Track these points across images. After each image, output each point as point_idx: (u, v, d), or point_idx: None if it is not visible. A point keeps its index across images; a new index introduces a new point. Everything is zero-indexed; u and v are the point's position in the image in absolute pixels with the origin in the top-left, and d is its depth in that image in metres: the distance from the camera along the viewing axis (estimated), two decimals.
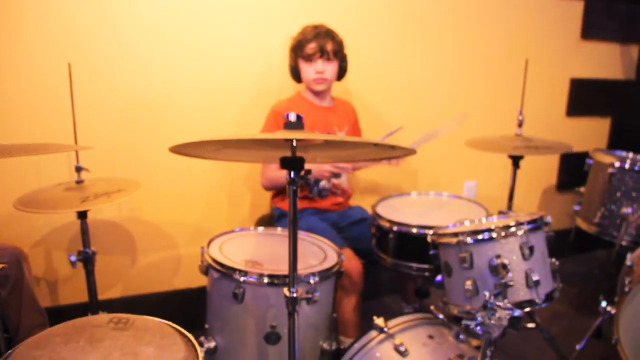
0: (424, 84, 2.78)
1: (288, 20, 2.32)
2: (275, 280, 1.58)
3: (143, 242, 2.38)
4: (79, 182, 1.80)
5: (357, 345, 1.60)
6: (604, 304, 2.26)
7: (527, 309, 1.54)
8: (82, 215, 1.80)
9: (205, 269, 1.70)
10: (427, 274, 1.92)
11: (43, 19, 2.00)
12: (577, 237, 3.05)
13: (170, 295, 2.47)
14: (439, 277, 1.72)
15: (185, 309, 2.33)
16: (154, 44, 2.19)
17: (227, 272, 1.61)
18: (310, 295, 1.41)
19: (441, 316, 1.72)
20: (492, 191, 3.08)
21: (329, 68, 2.18)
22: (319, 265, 1.68)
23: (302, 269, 1.63)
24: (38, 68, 2.03)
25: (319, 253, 1.80)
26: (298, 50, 2.18)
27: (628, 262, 1.95)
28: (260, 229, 2.00)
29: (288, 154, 1.27)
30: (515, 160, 2.17)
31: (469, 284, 1.54)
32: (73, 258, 1.82)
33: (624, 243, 2.43)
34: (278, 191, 2.35)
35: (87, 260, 1.85)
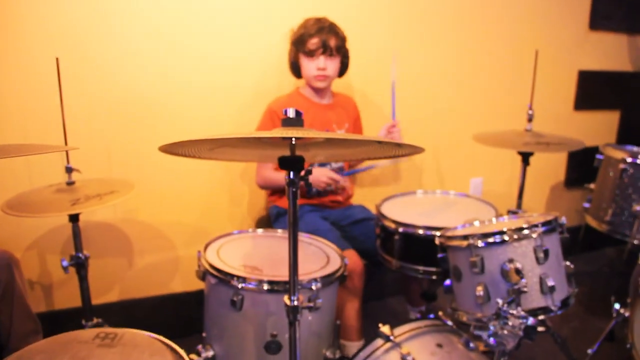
0: (429, 77, 2.70)
1: (287, 17, 2.23)
2: (276, 287, 1.50)
3: (139, 244, 2.31)
4: (70, 183, 1.73)
5: (362, 355, 1.52)
6: (617, 306, 2.21)
7: (542, 317, 1.45)
8: (74, 218, 1.73)
9: (202, 275, 1.63)
10: (434, 277, 1.84)
11: (29, 9, 1.91)
12: (586, 234, 2.98)
13: (167, 299, 2.40)
14: (447, 282, 1.64)
15: (184, 313, 2.28)
16: (149, 40, 2.10)
17: (224, 278, 1.53)
18: (312, 304, 1.33)
19: (450, 323, 1.64)
20: (499, 188, 3.01)
21: (331, 65, 2.10)
22: (322, 270, 1.60)
23: (303, 274, 1.55)
24: (24, 63, 1.95)
25: (321, 256, 1.72)
26: (299, 45, 2.09)
27: None
28: (260, 230, 1.92)
29: (286, 152, 1.19)
30: (525, 157, 2.09)
31: (479, 289, 1.46)
32: (65, 263, 1.75)
33: (636, 242, 2.35)
34: (275, 190, 2.27)
35: (79, 265, 1.78)
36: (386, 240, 1.95)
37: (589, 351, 2.16)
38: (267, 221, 2.32)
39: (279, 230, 1.92)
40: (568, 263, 1.59)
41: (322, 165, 2.18)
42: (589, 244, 3.29)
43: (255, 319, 1.53)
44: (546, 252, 1.46)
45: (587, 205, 2.72)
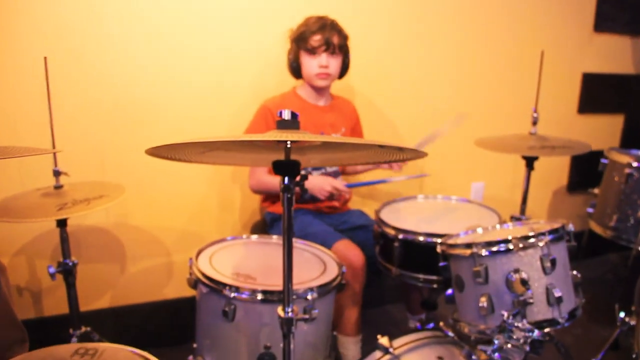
0: (429, 78, 2.64)
1: (286, 16, 2.17)
2: (270, 297, 1.43)
3: (132, 249, 2.25)
4: (58, 187, 1.67)
5: None
6: (622, 314, 2.15)
7: (548, 330, 1.39)
8: (62, 223, 1.67)
9: (194, 283, 1.56)
10: (435, 286, 1.78)
11: (16, 7, 1.85)
12: (588, 239, 2.92)
13: (161, 305, 2.34)
14: (449, 291, 1.58)
15: (178, 319, 2.22)
16: (144, 39, 2.05)
17: (216, 287, 1.47)
18: (307, 316, 1.26)
19: (451, 334, 1.57)
20: (501, 192, 2.96)
21: (334, 63, 2.04)
22: (318, 279, 1.54)
23: (298, 283, 1.49)
24: (12, 62, 1.89)
25: (317, 264, 1.66)
26: (300, 42, 2.03)
27: None
28: (254, 237, 1.85)
29: (281, 156, 1.13)
30: (530, 162, 2.03)
31: (483, 300, 1.39)
32: (52, 270, 1.69)
33: None
34: (267, 195, 2.21)
35: (67, 272, 1.72)
36: (385, 247, 1.88)
37: None
38: (264, 226, 2.26)
39: (274, 237, 1.86)
40: (575, 272, 1.52)
41: (316, 169, 2.12)
42: (592, 250, 3.23)
43: (248, 330, 1.47)
44: (553, 262, 1.39)
45: (590, 210, 2.67)
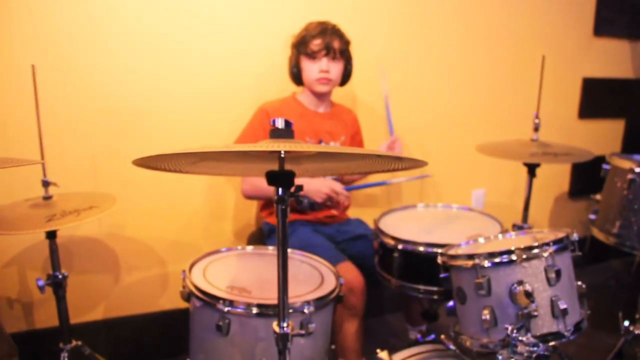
0: (428, 84, 2.61)
1: (287, 20, 2.14)
2: (265, 311, 1.39)
3: (126, 259, 2.20)
4: (47, 198, 1.62)
5: None
6: (626, 323, 2.11)
7: (553, 343, 1.34)
8: (51, 235, 1.63)
9: (187, 296, 1.52)
10: (436, 297, 1.73)
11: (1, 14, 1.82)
12: (591, 246, 2.89)
13: (156, 316, 2.29)
14: (450, 303, 1.53)
15: (173, 331, 2.17)
16: (137, 42, 2.00)
17: (210, 301, 1.42)
18: (303, 331, 1.22)
19: (452, 347, 1.53)
20: (502, 199, 2.92)
21: (335, 68, 2.00)
22: (315, 292, 1.49)
23: (295, 296, 1.44)
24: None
25: (314, 276, 1.61)
26: (301, 47, 1.99)
27: None
28: (249, 248, 1.81)
29: (275, 166, 1.09)
30: (532, 169, 1.98)
31: (486, 313, 1.35)
32: (41, 283, 1.65)
33: None
34: (266, 204, 2.16)
35: (57, 284, 1.67)
36: (385, 258, 1.84)
37: None
38: (261, 236, 2.21)
39: (270, 248, 1.81)
40: (580, 283, 1.48)
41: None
42: (594, 256, 3.18)
43: (243, 345, 1.42)
44: (558, 273, 1.35)
45: (593, 217, 2.64)
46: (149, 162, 1.01)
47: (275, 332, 1.16)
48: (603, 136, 3.26)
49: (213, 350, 1.46)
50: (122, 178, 2.07)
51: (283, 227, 1.11)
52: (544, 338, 1.34)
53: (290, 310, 1.37)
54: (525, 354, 1.23)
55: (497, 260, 1.36)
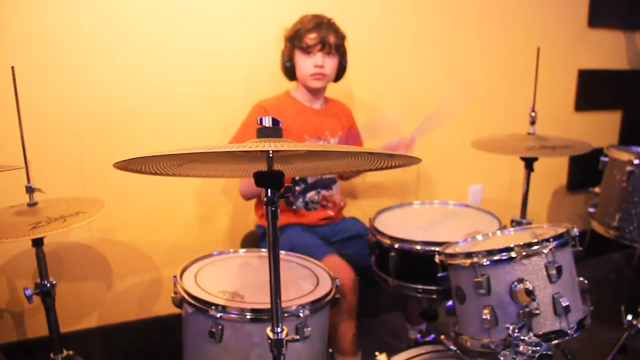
0: (421, 78, 2.57)
1: (280, 14, 2.09)
2: (259, 316, 1.35)
3: (118, 265, 2.16)
4: (32, 204, 1.57)
5: None
6: (629, 317, 2.09)
7: (556, 342, 1.30)
8: (37, 242, 1.58)
9: (179, 302, 1.48)
10: (434, 296, 1.69)
11: None
12: (590, 239, 2.86)
13: (151, 322, 2.25)
14: (449, 303, 1.49)
15: (169, 337, 2.11)
16: (125, 41, 1.95)
17: (202, 307, 1.38)
18: (298, 336, 1.18)
19: (453, 347, 1.49)
20: (500, 194, 2.89)
21: (330, 63, 1.95)
22: (311, 294, 1.45)
23: (289, 300, 1.40)
24: None
25: (309, 278, 1.57)
26: (295, 40, 1.93)
27: None
28: (242, 251, 1.77)
29: (265, 166, 1.05)
30: (529, 163, 1.94)
31: (486, 313, 1.31)
32: (28, 292, 1.59)
33: None
34: (258, 206, 2.12)
35: (45, 293, 1.62)
36: (381, 258, 1.79)
37: None
38: (256, 238, 2.17)
39: (263, 250, 1.77)
40: (582, 279, 1.44)
41: (306, 182, 2.03)
42: (594, 250, 3.16)
43: (237, 351, 1.38)
44: (559, 269, 1.31)
45: (592, 210, 2.62)
46: (129, 165, 0.97)
47: (269, 337, 1.12)
48: (600, 128, 3.24)
49: (206, 358, 1.43)
50: (111, 182, 2.02)
51: (274, 229, 1.07)
52: (546, 337, 1.31)
53: (285, 315, 1.34)
54: (528, 354, 1.19)
55: (496, 258, 1.32)
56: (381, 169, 1.19)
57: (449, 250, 1.48)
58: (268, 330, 1.13)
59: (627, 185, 2.37)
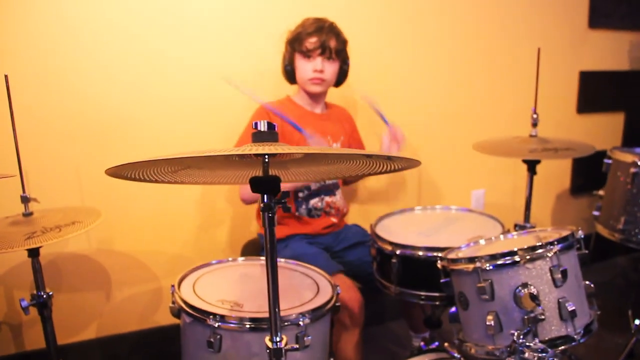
0: (421, 80, 2.55)
1: (282, 20, 2.06)
2: (258, 325, 1.32)
3: (118, 275, 2.14)
4: (27, 214, 1.55)
5: None
6: (637, 322, 2.05)
7: (563, 348, 1.27)
8: (33, 253, 1.55)
9: (177, 312, 1.45)
10: (438, 303, 1.66)
11: None
12: (595, 243, 2.82)
13: (151, 333, 2.22)
14: (453, 309, 1.46)
15: (169, 347, 2.08)
16: (121, 48, 1.94)
17: (200, 316, 1.35)
18: (297, 345, 1.15)
19: (457, 355, 1.46)
20: (502, 199, 2.86)
21: (330, 68, 1.93)
22: (311, 302, 1.42)
23: (289, 308, 1.38)
24: None
25: (310, 285, 1.54)
26: (295, 44, 1.91)
27: None
28: (240, 259, 1.74)
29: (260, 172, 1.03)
30: (532, 166, 1.92)
31: (490, 319, 1.28)
32: (25, 303, 1.57)
33: None
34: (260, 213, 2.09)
35: (41, 304, 1.59)
36: (383, 264, 1.77)
37: None
38: (256, 247, 2.14)
39: (262, 258, 1.74)
40: (588, 282, 1.41)
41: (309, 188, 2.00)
42: (600, 254, 3.12)
43: None
44: (564, 273, 1.28)
45: (596, 213, 2.58)
46: (122, 172, 0.95)
47: (268, 347, 1.09)
48: (603, 130, 3.21)
49: None
50: (110, 191, 2.01)
51: (271, 235, 1.05)
52: (552, 342, 1.28)
53: (285, 323, 1.31)
54: None
55: (499, 262, 1.30)
56: (381, 173, 1.17)
57: (452, 256, 1.45)
58: (267, 340, 1.10)
59: (631, 188, 2.33)
